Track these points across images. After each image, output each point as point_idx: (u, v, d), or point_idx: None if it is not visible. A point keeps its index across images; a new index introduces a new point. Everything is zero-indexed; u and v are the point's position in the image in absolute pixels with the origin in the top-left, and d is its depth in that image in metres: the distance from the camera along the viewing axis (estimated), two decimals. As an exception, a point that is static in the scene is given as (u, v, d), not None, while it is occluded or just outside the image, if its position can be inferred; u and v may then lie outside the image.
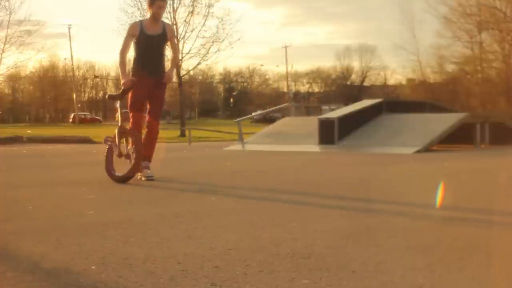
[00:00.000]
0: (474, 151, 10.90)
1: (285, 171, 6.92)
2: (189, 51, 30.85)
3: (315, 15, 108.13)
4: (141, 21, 5.82)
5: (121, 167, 5.30)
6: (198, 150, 13.55)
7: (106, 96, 5.47)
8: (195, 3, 30.53)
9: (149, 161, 5.56)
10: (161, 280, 1.96)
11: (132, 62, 5.76)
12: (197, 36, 30.63)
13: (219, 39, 30.50)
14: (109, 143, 5.50)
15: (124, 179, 5.19)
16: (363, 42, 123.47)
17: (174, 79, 47.69)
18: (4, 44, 32.06)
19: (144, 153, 5.34)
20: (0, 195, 4.61)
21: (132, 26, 5.70)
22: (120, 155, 5.36)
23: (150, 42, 5.60)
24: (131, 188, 4.97)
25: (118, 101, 5.61)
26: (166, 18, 30.46)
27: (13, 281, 1.97)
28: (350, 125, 12.57)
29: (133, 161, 5.20)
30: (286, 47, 70.71)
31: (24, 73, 50.78)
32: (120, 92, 5.68)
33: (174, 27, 30.55)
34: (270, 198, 4.22)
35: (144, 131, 5.62)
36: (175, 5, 30.61)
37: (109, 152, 5.42)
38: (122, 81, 5.56)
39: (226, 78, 78.84)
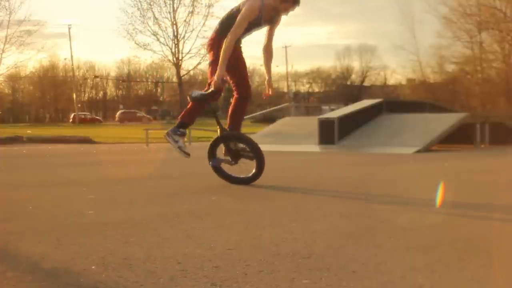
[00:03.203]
0: (474, 151, 10.91)
1: (285, 171, 6.92)
2: (189, 51, 31.01)
3: (316, 16, 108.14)
4: (263, 4, 4.68)
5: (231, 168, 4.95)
6: (198, 150, 13.51)
7: (190, 98, 4.85)
8: (195, 3, 30.69)
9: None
10: (161, 280, 1.96)
11: (224, 21, 4.84)
12: (197, 36, 30.76)
13: (219, 39, 30.47)
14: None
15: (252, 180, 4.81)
16: (363, 42, 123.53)
17: (174, 79, 47.67)
18: (4, 44, 32.21)
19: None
20: (0, 195, 4.60)
21: (252, 9, 4.64)
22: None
23: (252, 30, 4.81)
24: (131, 188, 4.97)
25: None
26: (166, 18, 30.55)
27: (13, 281, 1.97)
28: (350, 125, 12.57)
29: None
30: (286, 47, 70.79)
31: (24, 73, 50.94)
32: (208, 92, 4.73)
33: (174, 27, 30.60)
34: (270, 198, 4.22)
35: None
36: (175, 5, 30.68)
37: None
38: (215, 77, 4.60)
39: (226, 78, 78.66)
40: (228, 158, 4.88)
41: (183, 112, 5.01)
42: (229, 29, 4.67)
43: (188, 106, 4.93)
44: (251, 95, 4.96)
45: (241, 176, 4.87)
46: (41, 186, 5.19)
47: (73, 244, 2.55)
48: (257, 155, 4.75)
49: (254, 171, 4.79)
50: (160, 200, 4.08)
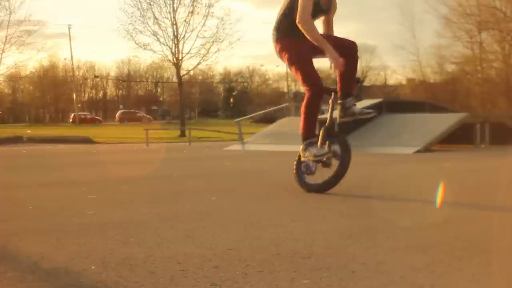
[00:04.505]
0: (474, 151, 10.90)
1: (285, 171, 6.91)
2: (189, 51, 30.89)
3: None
4: None
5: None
6: (198, 150, 13.55)
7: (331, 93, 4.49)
8: (195, 3, 30.56)
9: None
10: (161, 280, 1.96)
11: (280, 23, 4.37)
12: (197, 36, 30.67)
13: (219, 39, 30.53)
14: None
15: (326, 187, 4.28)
16: (363, 42, 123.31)
17: (174, 79, 47.73)
18: (4, 44, 32.11)
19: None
20: (0, 195, 4.60)
21: None
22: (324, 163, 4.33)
23: (315, 17, 4.33)
24: (131, 188, 4.97)
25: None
26: (166, 18, 30.52)
27: (13, 281, 1.97)
28: (350, 125, 12.54)
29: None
30: (286, 47, 70.64)
31: (24, 73, 50.83)
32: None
33: (175, 27, 30.56)
34: (270, 198, 4.22)
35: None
36: (175, 5, 30.62)
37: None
38: (333, 58, 4.17)
39: (226, 78, 78.98)
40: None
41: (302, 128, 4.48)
42: (287, 28, 4.32)
43: (302, 118, 4.48)
44: (357, 49, 4.37)
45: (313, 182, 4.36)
46: (41, 186, 5.19)
47: (73, 244, 2.55)
48: (343, 162, 4.23)
49: (332, 175, 4.27)
50: (160, 200, 4.08)
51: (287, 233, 2.77)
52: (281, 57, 4.44)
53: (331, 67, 4.24)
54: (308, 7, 4.19)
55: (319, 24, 4.47)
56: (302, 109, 4.44)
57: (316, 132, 4.47)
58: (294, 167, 4.49)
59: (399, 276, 2.00)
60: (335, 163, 4.29)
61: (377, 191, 4.57)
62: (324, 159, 4.33)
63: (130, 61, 72.86)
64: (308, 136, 4.43)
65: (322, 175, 4.33)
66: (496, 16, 31.63)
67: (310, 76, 4.32)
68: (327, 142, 4.35)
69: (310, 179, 4.37)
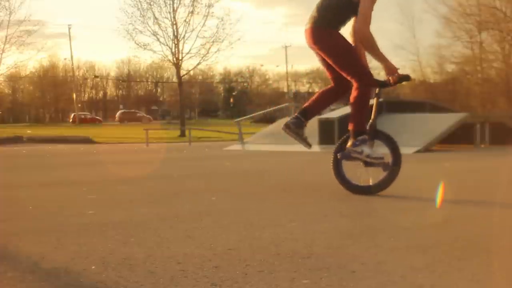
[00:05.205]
0: (474, 151, 10.91)
1: (285, 171, 6.91)
2: (189, 51, 30.92)
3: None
4: None
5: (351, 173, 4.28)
6: (198, 150, 13.55)
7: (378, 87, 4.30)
8: (195, 3, 30.61)
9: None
10: (161, 280, 1.96)
11: (323, 19, 4.11)
12: (197, 36, 30.71)
13: (219, 39, 30.55)
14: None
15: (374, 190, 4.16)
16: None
17: (174, 79, 47.68)
18: (4, 44, 32.16)
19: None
20: (0, 195, 4.60)
21: None
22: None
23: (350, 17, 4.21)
24: (131, 188, 4.97)
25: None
26: (166, 18, 30.54)
27: (13, 281, 1.97)
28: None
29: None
30: (286, 47, 71.12)
31: (24, 73, 50.88)
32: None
33: (175, 27, 30.57)
34: (270, 198, 4.22)
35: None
36: (175, 5, 30.65)
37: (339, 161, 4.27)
38: (391, 70, 4.16)
39: (226, 78, 79.03)
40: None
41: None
42: (333, 20, 4.10)
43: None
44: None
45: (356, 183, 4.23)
46: (41, 186, 5.19)
47: (73, 244, 2.55)
48: (396, 163, 4.10)
49: (384, 177, 4.15)
50: (160, 200, 4.08)
51: (287, 233, 2.77)
52: (319, 43, 4.16)
53: (391, 77, 4.16)
54: (370, 18, 4.03)
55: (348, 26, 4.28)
56: (352, 101, 4.14)
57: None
58: (332, 163, 4.31)
59: (399, 276, 2.00)
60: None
61: (377, 191, 4.57)
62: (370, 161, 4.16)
63: (130, 61, 73.04)
64: (361, 130, 4.18)
65: (368, 176, 4.19)
66: (496, 16, 31.64)
67: (361, 66, 4.17)
68: (374, 140, 4.19)
69: (352, 179, 4.24)
